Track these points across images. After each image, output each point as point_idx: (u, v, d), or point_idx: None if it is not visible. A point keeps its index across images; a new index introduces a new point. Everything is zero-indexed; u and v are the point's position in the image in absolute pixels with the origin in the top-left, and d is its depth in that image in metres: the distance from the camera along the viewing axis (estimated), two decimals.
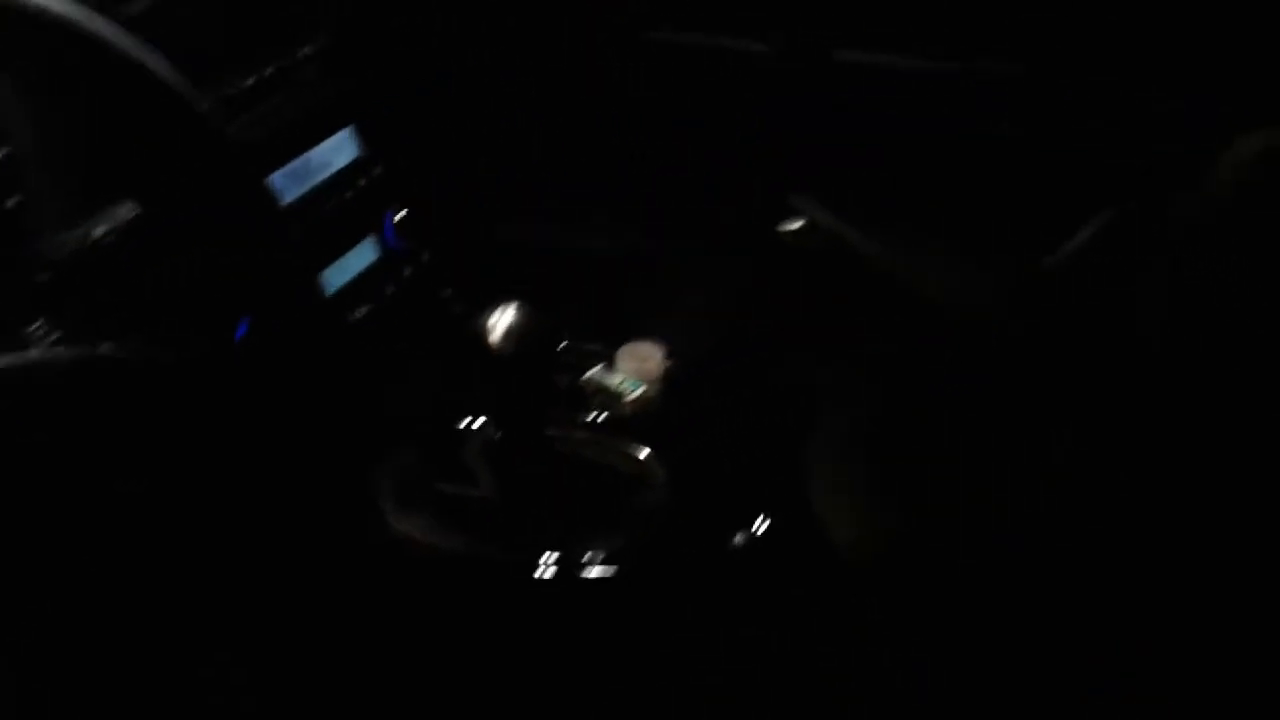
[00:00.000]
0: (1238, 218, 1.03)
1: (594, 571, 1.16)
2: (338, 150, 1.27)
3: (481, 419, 1.23)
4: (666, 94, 1.68)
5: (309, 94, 1.25)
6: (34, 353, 0.81)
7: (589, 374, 1.37)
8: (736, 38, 1.61)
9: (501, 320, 1.16)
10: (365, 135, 1.30)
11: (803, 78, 1.56)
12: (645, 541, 1.19)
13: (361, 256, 1.29)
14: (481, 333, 1.16)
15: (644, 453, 1.27)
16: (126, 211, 0.99)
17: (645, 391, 1.36)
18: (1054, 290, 1.33)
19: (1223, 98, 1.26)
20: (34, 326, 0.81)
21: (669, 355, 1.40)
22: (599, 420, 1.34)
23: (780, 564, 1.24)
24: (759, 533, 1.26)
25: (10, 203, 0.83)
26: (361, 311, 1.27)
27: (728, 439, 1.35)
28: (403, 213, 1.32)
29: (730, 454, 1.33)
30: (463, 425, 1.24)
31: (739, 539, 1.26)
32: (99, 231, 0.86)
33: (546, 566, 1.15)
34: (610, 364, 1.39)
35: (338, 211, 1.26)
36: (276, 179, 1.19)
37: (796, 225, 1.52)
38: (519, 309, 1.16)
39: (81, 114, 0.86)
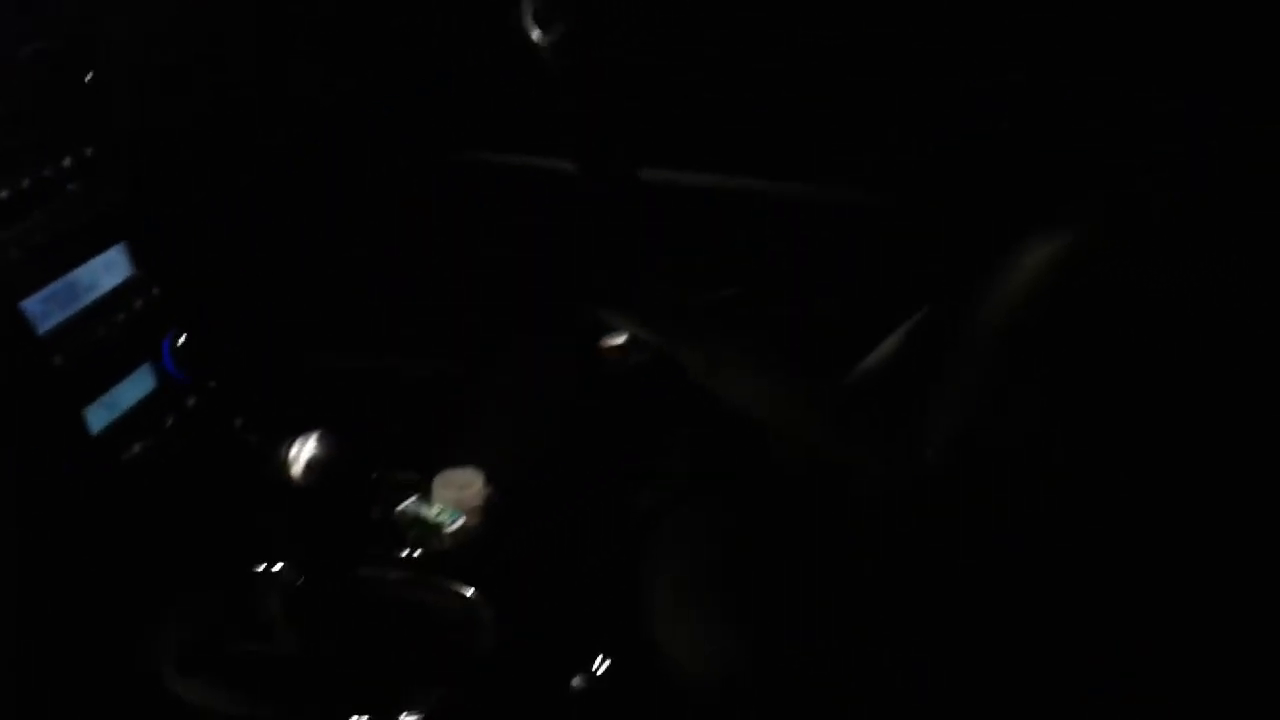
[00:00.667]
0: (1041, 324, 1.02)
1: None
2: (107, 269, 1.14)
3: (281, 563, 1.10)
4: (475, 213, 1.62)
5: (72, 208, 1.12)
6: None
7: (403, 505, 1.26)
8: (543, 157, 1.58)
9: (302, 451, 1.04)
10: (139, 253, 1.17)
11: (610, 195, 1.53)
12: (472, 693, 1.07)
13: (136, 386, 1.15)
14: (281, 465, 1.03)
15: (468, 591, 1.16)
16: None
17: (465, 522, 1.26)
18: (864, 403, 1.30)
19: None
20: None
21: (489, 481, 1.30)
22: (416, 557, 1.22)
23: (625, 707, 1.14)
24: (599, 674, 1.15)
25: None
26: (136, 449, 1.12)
27: (558, 571, 1.25)
28: (184, 337, 1.18)
29: (562, 587, 1.22)
30: (259, 571, 1.10)
31: (577, 682, 1.15)
32: None
33: None
34: (426, 494, 1.28)
35: (107, 337, 1.12)
36: (33, 304, 1.05)
37: (618, 340, 1.47)
38: (321, 437, 1.05)
39: None
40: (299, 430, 1.07)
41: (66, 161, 1.13)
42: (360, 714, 1.03)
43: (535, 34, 1.41)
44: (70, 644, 1.06)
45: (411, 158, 1.66)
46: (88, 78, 1.19)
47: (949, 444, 1.02)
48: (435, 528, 1.24)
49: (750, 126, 1.54)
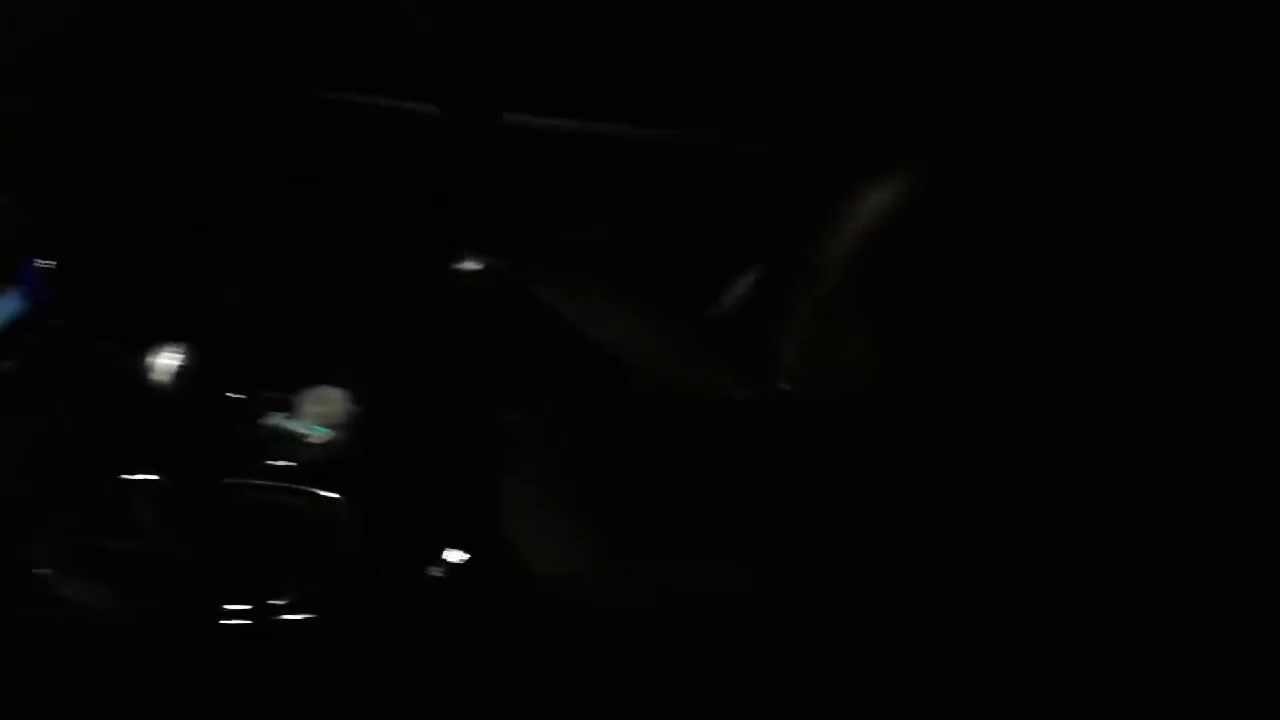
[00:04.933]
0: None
1: (284, 617, 1.10)
2: None
3: (151, 472, 1.15)
4: (334, 152, 1.64)
5: None
6: None
7: (270, 420, 1.31)
8: (404, 99, 1.60)
9: (166, 360, 1.09)
10: (3, 175, 1.19)
11: (475, 139, 1.57)
12: (338, 584, 1.14)
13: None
14: (144, 374, 1.08)
15: (332, 497, 1.23)
16: None
17: (331, 436, 1.32)
18: (719, 338, 1.38)
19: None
20: None
21: (354, 399, 1.36)
22: (283, 467, 1.28)
23: (480, 595, 1.22)
24: (456, 564, 1.24)
25: None
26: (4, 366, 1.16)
27: (420, 478, 1.32)
28: (51, 262, 1.22)
29: (423, 492, 1.30)
30: (131, 479, 1.16)
31: (435, 571, 1.23)
32: None
33: (233, 615, 1.08)
34: (292, 410, 1.33)
35: None
36: None
37: (474, 266, 1.52)
38: (185, 348, 1.10)
39: None
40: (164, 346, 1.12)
41: None
42: (236, 602, 1.10)
43: None
44: None
45: (269, 91, 1.67)
46: None
47: (795, 374, 1.12)
48: (301, 440, 1.30)
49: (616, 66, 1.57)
